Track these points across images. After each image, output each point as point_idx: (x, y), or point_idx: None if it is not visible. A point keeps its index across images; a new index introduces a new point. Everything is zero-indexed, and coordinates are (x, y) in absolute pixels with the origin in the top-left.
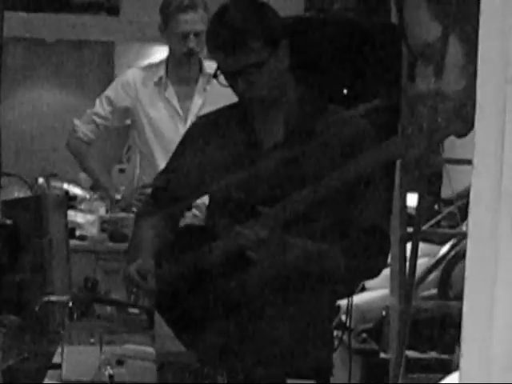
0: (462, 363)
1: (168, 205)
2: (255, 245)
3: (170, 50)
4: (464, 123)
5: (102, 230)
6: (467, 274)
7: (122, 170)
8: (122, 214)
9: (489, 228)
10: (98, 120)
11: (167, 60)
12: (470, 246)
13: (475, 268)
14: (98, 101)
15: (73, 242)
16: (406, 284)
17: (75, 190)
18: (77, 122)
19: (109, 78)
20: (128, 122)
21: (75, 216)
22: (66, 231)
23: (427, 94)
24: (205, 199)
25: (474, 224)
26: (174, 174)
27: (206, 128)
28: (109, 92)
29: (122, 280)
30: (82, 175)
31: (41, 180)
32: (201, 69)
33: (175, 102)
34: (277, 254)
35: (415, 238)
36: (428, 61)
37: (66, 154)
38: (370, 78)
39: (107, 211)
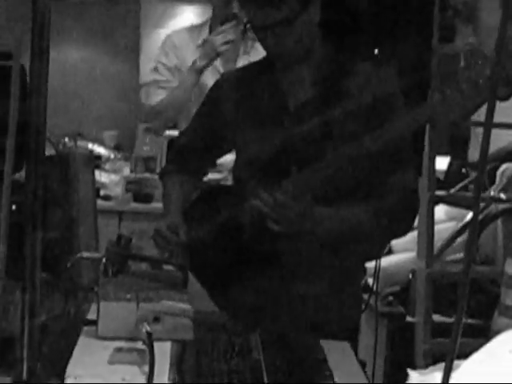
0: None
1: (191, 163)
2: (273, 211)
3: (214, 12)
4: (507, 86)
5: (127, 190)
6: None
7: (147, 130)
8: (147, 175)
9: None
10: (164, 84)
11: (210, 22)
12: None
13: None
14: (153, 72)
15: (97, 202)
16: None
17: (99, 150)
18: (146, 95)
19: (135, 38)
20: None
21: (100, 176)
22: (94, 189)
23: (466, 53)
24: (226, 158)
25: None
26: (197, 131)
27: (231, 84)
28: (161, 58)
29: (151, 237)
30: (106, 134)
31: (67, 139)
32: (244, 33)
33: (218, 64)
34: (299, 222)
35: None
36: (466, 19)
37: (91, 112)
38: (400, 38)
39: (131, 171)
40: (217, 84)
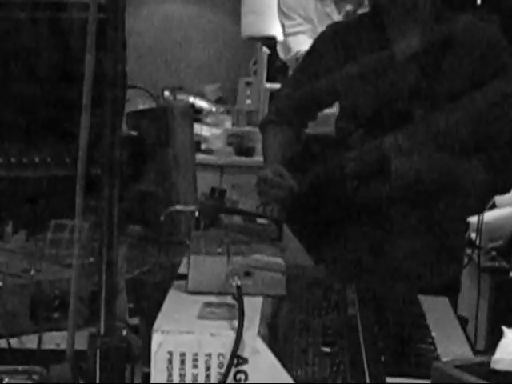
0: None
1: (292, 114)
2: (396, 154)
3: None
4: None
5: (228, 143)
6: None
7: (248, 83)
8: (248, 128)
9: None
10: (301, 28)
11: None
12: None
13: None
14: (284, 19)
15: (198, 156)
16: None
17: (201, 103)
18: (286, 47)
19: None
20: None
21: (201, 129)
22: (192, 142)
23: None
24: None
25: None
26: (300, 82)
27: (336, 37)
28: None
29: (255, 185)
30: (208, 88)
31: (167, 93)
32: None
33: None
34: (415, 165)
35: None
36: None
37: (192, 66)
38: None
39: (233, 125)
40: (322, 35)
